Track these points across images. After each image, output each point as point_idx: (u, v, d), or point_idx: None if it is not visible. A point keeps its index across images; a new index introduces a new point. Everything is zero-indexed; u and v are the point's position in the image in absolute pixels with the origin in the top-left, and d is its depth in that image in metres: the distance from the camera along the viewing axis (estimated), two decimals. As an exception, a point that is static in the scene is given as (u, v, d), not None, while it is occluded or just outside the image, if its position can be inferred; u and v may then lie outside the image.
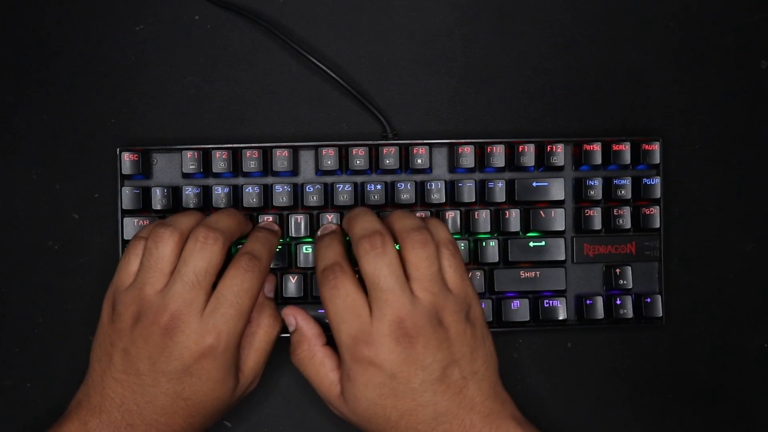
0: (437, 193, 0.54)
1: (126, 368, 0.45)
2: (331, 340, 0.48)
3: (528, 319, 0.55)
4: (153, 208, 0.54)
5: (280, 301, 0.54)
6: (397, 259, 0.45)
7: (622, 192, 0.55)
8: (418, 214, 0.52)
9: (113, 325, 0.46)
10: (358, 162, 0.54)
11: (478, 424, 0.44)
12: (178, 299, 0.45)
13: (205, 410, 0.46)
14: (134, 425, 0.44)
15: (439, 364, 0.44)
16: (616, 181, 0.55)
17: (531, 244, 0.55)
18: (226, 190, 0.54)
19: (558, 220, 0.55)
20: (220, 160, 0.54)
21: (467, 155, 0.55)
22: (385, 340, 0.44)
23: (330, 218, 0.54)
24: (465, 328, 0.45)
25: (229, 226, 0.48)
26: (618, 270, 0.55)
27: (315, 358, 0.48)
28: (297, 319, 0.50)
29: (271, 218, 0.54)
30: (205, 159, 0.54)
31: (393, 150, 0.54)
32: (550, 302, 0.55)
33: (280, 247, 0.54)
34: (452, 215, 0.54)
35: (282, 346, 0.55)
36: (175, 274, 0.45)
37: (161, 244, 0.46)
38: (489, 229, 0.55)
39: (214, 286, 0.46)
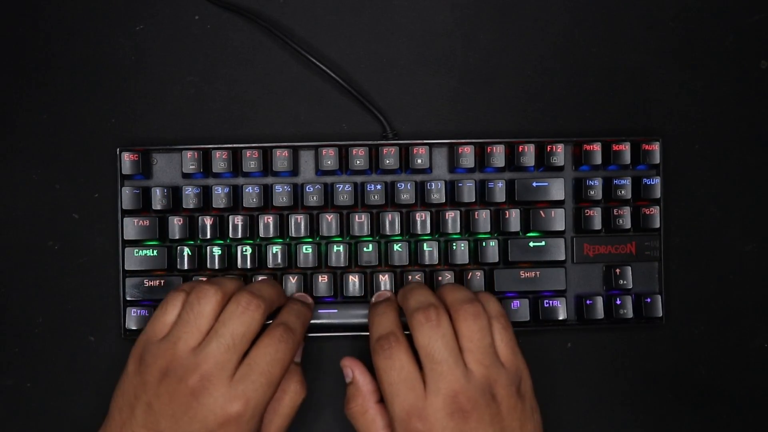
0: (437, 193, 0.54)
1: (147, 423, 0.44)
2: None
3: (528, 319, 0.55)
4: (153, 208, 0.54)
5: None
6: (451, 332, 0.45)
7: (622, 192, 0.55)
8: (467, 289, 0.52)
9: (140, 377, 0.45)
10: (358, 162, 0.54)
11: None
12: (211, 360, 0.44)
13: None
14: None
15: None
16: (616, 181, 0.55)
17: (531, 244, 0.55)
18: (226, 190, 0.54)
19: (558, 220, 0.55)
20: (220, 160, 0.54)
21: (467, 155, 0.55)
22: (439, 414, 0.44)
23: (329, 219, 0.54)
24: (516, 402, 0.45)
25: (270, 295, 0.47)
26: (618, 270, 0.55)
27: (367, 414, 0.48)
28: (355, 372, 0.50)
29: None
30: (205, 159, 0.54)
31: (393, 150, 0.54)
32: (550, 302, 0.55)
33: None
34: (452, 215, 0.54)
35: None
36: (212, 333, 0.45)
37: (204, 301, 0.45)
38: (489, 229, 0.55)
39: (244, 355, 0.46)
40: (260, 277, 0.54)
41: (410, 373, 0.45)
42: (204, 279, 0.48)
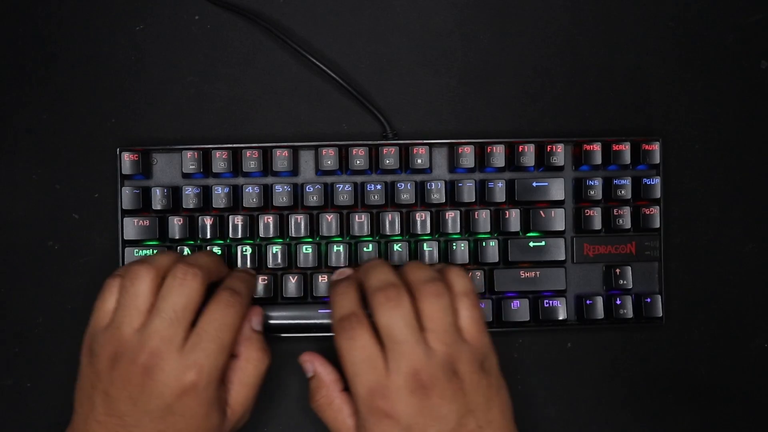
0: (437, 193, 0.54)
1: (107, 410, 0.44)
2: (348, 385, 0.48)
3: (528, 319, 0.55)
4: (153, 208, 0.54)
5: (281, 300, 0.54)
6: (411, 311, 0.45)
7: (622, 192, 0.55)
8: (438, 264, 0.52)
9: (92, 367, 0.45)
10: (358, 162, 0.54)
11: None
12: (156, 337, 0.44)
13: None
14: None
15: (454, 415, 0.44)
16: (616, 181, 0.55)
17: (531, 244, 0.55)
18: (226, 190, 0.54)
19: (558, 220, 0.55)
20: (220, 160, 0.54)
21: (467, 155, 0.55)
22: (401, 392, 0.44)
23: (329, 219, 0.54)
24: (480, 378, 0.45)
25: (207, 263, 0.47)
26: (618, 270, 0.55)
27: (333, 404, 0.48)
28: (315, 365, 0.50)
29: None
30: (205, 159, 0.54)
31: (393, 150, 0.54)
32: (550, 302, 0.55)
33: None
34: (452, 215, 0.54)
35: (280, 347, 0.55)
36: (153, 311, 0.45)
37: (137, 282, 0.45)
38: (489, 229, 0.55)
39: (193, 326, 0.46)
40: (261, 278, 0.54)
41: (372, 353, 0.45)
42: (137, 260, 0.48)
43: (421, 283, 0.46)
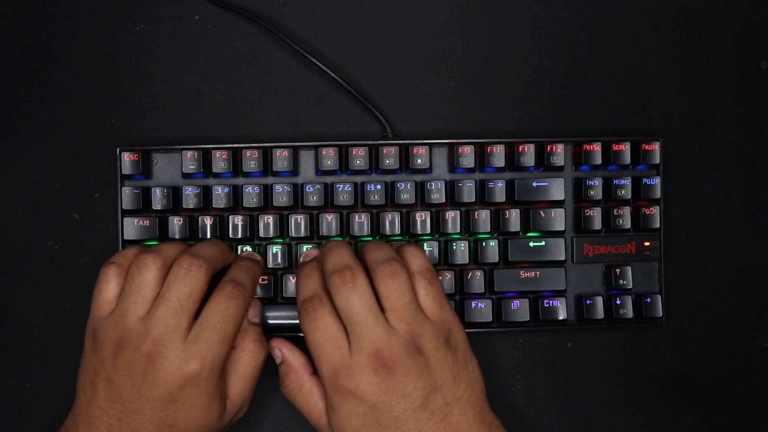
0: (437, 193, 0.54)
1: (110, 396, 0.44)
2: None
3: (528, 319, 0.55)
4: (153, 208, 0.54)
5: (281, 300, 0.54)
6: (368, 292, 0.45)
7: (622, 192, 0.55)
8: (396, 243, 0.52)
9: (95, 354, 0.46)
10: (358, 162, 0.54)
11: None
12: (161, 325, 0.44)
13: None
14: None
15: (420, 392, 0.44)
16: (616, 181, 0.55)
17: (531, 244, 0.55)
18: (226, 190, 0.54)
19: (558, 220, 0.55)
20: (220, 160, 0.54)
21: (467, 155, 0.55)
22: (364, 371, 0.44)
23: (329, 219, 0.54)
24: (445, 354, 0.45)
25: (212, 254, 0.48)
26: (618, 270, 0.55)
27: (303, 388, 0.48)
28: (282, 350, 0.50)
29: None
30: (205, 159, 0.54)
31: (393, 150, 0.54)
32: (550, 302, 0.55)
33: (265, 279, 0.54)
34: (452, 215, 0.54)
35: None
36: (158, 299, 0.45)
37: (144, 270, 0.46)
38: (489, 229, 0.55)
39: (197, 316, 0.46)
40: (261, 278, 0.54)
41: (334, 333, 0.45)
42: (142, 248, 0.48)
43: (376, 264, 0.47)
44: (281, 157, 0.54)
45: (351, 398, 0.44)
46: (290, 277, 0.54)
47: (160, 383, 0.44)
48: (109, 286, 0.47)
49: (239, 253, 0.54)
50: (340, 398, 0.45)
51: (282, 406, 0.56)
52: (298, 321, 0.53)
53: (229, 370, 0.48)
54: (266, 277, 0.54)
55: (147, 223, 0.54)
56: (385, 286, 0.46)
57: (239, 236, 0.54)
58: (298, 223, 0.54)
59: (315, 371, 0.49)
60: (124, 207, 0.54)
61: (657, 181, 0.55)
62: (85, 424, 0.45)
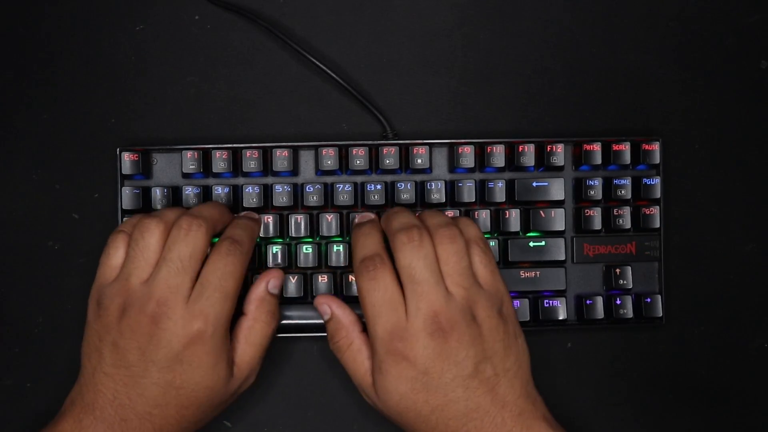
0: (437, 193, 0.54)
1: (116, 362, 0.45)
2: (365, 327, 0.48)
3: (528, 319, 0.55)
4: (153, 208, 0.54)
5: (281, 300, 0.54)
6: (433, 254, 0.46)
7: (622, 192, 0.55)
8: (448, 213, 0.53)
9: (100, 320, 0.46)
10: (358, 162, 0.54)
11: (509, 423, 0.44)
12: (164, 286, 0.45)
13: (198, 400, 0.46)
14: (128, 420, 0.44)
15: (471, 360, 0.44)
16: (616, 181, 0.55)
17: (531, 244, 0.55)
18: (226, 190, 0.54)
19: (558, 220, 0.55)
20: (220, 160, 0.54)
21: (467, 155, 0.55)
22: (420, 335, 0.44)
23: (329, 219, 0.54)
24: (498, 324, 0.46)
25: (211, 214, 0.48)
26: (618, 270, 0.55)
27: (353, 346, 0.48)
28: (332, 307, 0.50)
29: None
30: (205, 159, 0.54)
31: (393, 150, 0.54)
32: (550, 302, 0.55)
33: (273, 245, 0.54)
34: (452, 215, 0.54)
35: (280, 347, 0.55)
36: (160, 261, 0.46)
37: (147, 234, 0.46)
38: (489, 229, 0.55)
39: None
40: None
41: (393, 295, 0.45)
42: (145, 214, 0.49)
43: (436, 228, 0.47)
44: (281, 157, 0.54)
45: (403, 361, 0.44)
46: (290, 277, 0.54)
47: (166, 344, 0.44)
48: (117, 253, 0.47)
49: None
50: (392, 360, 0.45)
51: (289, 380, 0.56)
52: (297, 321, 0.54)
53: (239, 337, 0.48)
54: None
55: (147, 223, 0.53)
56: (444, 249, 0.46)
57: (239, 236, 0.54)
58: (298, 223, 0.54)
59: (364, 329, 0.49)
60: (124, 207, 0.54)
61: (657, 181, 0.55)
62: (91, 392, 0.45)
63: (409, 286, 0.45)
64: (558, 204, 0.55)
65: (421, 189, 0.55)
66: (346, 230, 0.54)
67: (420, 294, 0.45)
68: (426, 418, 0.45)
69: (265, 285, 0.50)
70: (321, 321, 0.53)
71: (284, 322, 0.53)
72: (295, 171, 0.55)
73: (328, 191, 0.54)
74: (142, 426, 0.44)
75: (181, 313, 0.44)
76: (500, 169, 0.55)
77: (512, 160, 0.55)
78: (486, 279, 0.47)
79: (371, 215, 0.52)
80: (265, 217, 0.54)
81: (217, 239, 0.48)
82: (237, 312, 0.48)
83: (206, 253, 0.47)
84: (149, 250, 0.46)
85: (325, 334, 0.54)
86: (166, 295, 0.45)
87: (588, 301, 0.55)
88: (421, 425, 0.45)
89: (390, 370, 0.45)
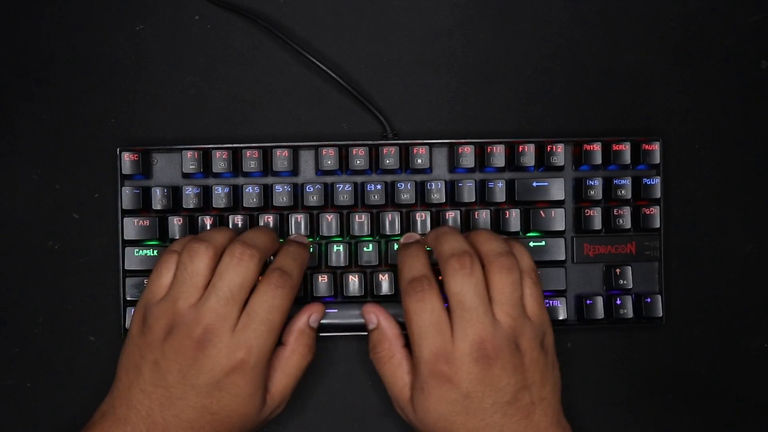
0: (437, 193, 0.54)
1: (155, 380, 0.45)
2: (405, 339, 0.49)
3: (528, 319, 0.55)
4: (153, 208, 0.54)
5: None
6: (483, 282, 0.46)
7: (622, 192, 0.55)
8: (502, 239, 0.52)
9: (144, 338, 0.46)
10: (358, 162, 0.54)
11: None
12: (212, 314, 0.45)
13: (231, 426, 0.46)
14: None
15: (512, 388, 0.45)
16: (616, 181, 0.55)
17: (531, 244, 0.55)
18: (226, 190, 0.54)
19: (558, 220, 0.55)
20: (220, 160, 0.54)
21: (467, 155, 0.55)
22: (465, 359, 0.45)
23: (329, 219, 0.54)
24: (539, 355, 0.47)
25: (264, 243, 0.48)
26: (618, 270, 0.55)
27: (394, 359, 0.49)
28: (379, 317, 0.50)
29: (301, 232, 0.54)
30: (205, 159, 0.54)
31: (393, 150, 0.54)
32: (550, 302, 0.55)
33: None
34: (452, 215, 0.54)
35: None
36: (209, 288, 0.46)
37: (196, 259, 0.46)
38: (489, 229, 0.55)
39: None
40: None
41: (440, 317, 0.46)
42: (195, 236, 0.49)
43: (494, 255, 0.47)
44: (281, 157, 0.54)
45: (446, 384, 0.45)
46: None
47: (208, 371, 0.44)
48: (168, 273, 0.47)
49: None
50: (435, 382, 0.45)
51: (297, 417, 0.56)
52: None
53: (276, 366, 0.48)
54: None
55: (147, 223, 0.54)
56: (501, 279, 0.46)
57: (239, 236, 0.54)
58: (298, 222, 0.54)
59: (406, 344, 0.49)
60: (124, 207, 0.54)
61: (657, 181, 0.55)
62: (124, 407, 0.45)
63: (457, 312, 0.46)
64: (558, 204, 0.55)
65: (421, 189, 0.55)
66: (346, 230, 0.54)
67: (468, 320, 0.45)
68: None
69: (307, 318, 0.50)
70: (321, 321, 0.53)
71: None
72: (295, 171, 0.54)
73: (328, 191, 0.54)
74: None
75: (226, 342, 0.45)
76: (500, 169, 0.55)
77: (512, 160, 0.55)
78: (533, 311, 0.48)
79: (416, 235, 0.52)
80: (265, 217, 0.54)
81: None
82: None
83: (255, 282, 0.47)
84: (198, 275, 0.46)
85: (325, 334, 0.54)
86: (214, 322, 0.45)
87: (588, 301, 0.55)
88: None
89: (432, 390, 0.45)
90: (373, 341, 0.50)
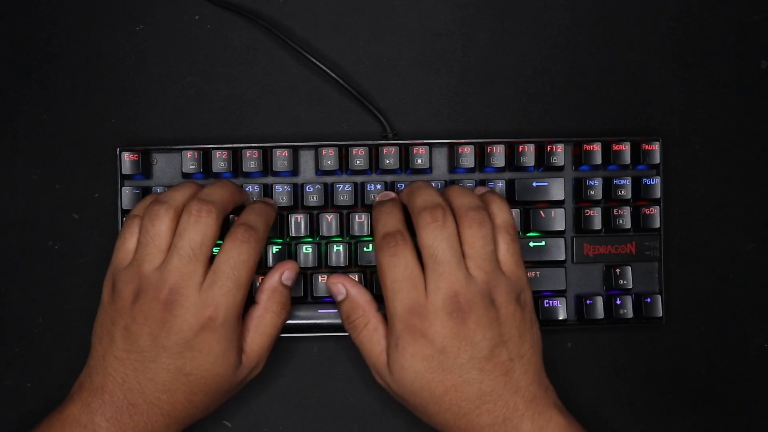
0: (437, 193, 0.54)
1: (127, 346, 0.45)
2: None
3: (528, 319, 0.55)
4: (153, 208, 0.54)
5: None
6: (455, 235, 0.46)
7: (622, 192, 0.55)
8: (480, 188, 0.52)
9: (113, 305, 0.46)
10: (358, 162, 0.54)
11: (522, 408, 0.45)
12: (176, 273, 0.45)
13: (207, 387, 0.46)
14: (136, 404, 0.45)
15: (488, 343, 0.45)
16: (616, 181, 0.55)
17: (531, 244, 0.55)
18: (226, 190, 0.54)
19: (558, 220, 0.55)
20: (220, 160, 0.54)
21: (467, 155, 0.55)
22: (439, 313, 0.44)
23: (329, 219, 0.54)
24: (515, 310, 0.46)
25: (222, 197, 0.48)
26: (618, 270, 0.55)
27: (369, 325, 0.48)
28: (347, 287, 0.49)
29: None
30: (205, 159, 0.54)
31: (393, 150, 0.54)
32: (550, 302, 0.55)
33: (281, 242, 0.53)
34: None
35: (281, 347, 0.55)
36: (171, 249, 0.46)
37: (157, 222, 0.46)
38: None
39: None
40: (261, 278, 0.54)
41: (414, 272, 0.45)
42: (155, 196, 0.49)
43: (465, 209, 0.47)
44: (281, 157, 0.54)
45: (420, 338, 0.45)
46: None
47: (177, 331, 0.44)
48: (131, 238, 0.47)
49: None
50: (409, 337, 0.45)
51: (290, 380, 0.56)
52: (297, 321, 0.54)
53: (249, 326, 0.48)
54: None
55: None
56: (471, 233, 0.46)
57: (239, 236, 0.54)
58: (298, 222, 0.54)
59: (378, 308, 0.49)
60: (124, 207, 0.54)
61: (657, 181, 0.55)
62: (101, 376, 0.45)
63: (430, 265, 0.45)
64: (558, 204, 0.55)
65: (421, 189, 0.55)
66: (346, 230, 0.54)
67: (441, 273, 0.45)
68: (439, 399, 0.45)
69: (279, 275, 0.50)
70: (321, 321, 0.53)
71: (292, 322, 0.53)
72: (295, 171, 0.55)
73: (328, 191, 0.54)
74: (150, 411, 0.45)
75: (193, 300, 0.45)
76: (500, 169, 0.55)
77: (512, 160, 0.55)
78: (509, 266, 0.47)
79: (392, 194, 0.52)
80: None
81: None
82: (249, 300, 0.48)
83: (217, 237, 0.47)
84: (160, 237, 0.46)
85: (325, 335, 0.54)
86: (179, 282, 0.45)
87: (588, 301, 0.55)
88: (434, 407, 0.45)
89: (407, 346, 0.45)
90: (346, 311, 0.49)
